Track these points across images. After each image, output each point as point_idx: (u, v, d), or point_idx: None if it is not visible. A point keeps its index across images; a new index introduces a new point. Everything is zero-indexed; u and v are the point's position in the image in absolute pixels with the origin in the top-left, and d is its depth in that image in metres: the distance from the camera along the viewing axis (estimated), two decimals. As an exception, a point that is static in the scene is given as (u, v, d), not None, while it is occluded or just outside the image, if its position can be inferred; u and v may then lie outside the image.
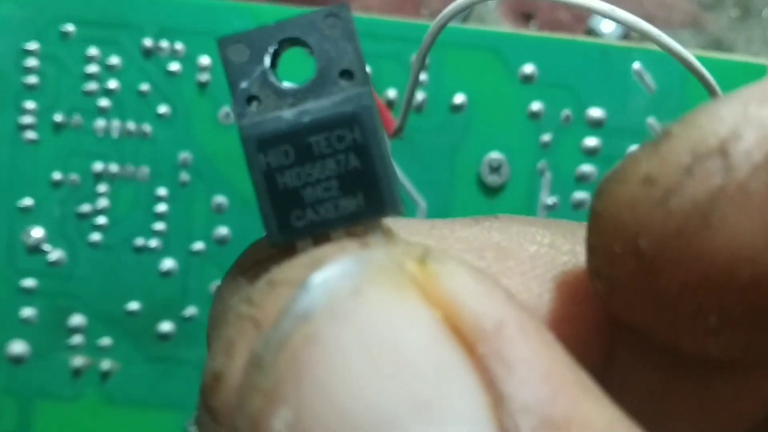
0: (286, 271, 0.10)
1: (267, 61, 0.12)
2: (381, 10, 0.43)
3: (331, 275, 0.10)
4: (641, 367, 0.13)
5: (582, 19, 0.39)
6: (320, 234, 0.11)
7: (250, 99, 0.12)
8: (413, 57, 0.26)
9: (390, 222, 0.12)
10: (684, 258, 0.11)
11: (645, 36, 0.20)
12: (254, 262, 0.12)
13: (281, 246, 0.11)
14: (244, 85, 0.12)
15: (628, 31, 0.40)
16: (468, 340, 0.09)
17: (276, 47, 0.12)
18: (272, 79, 0.12)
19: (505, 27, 0.35)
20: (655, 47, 0.28)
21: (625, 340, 0.13)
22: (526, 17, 0.40)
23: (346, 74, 0.12)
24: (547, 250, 0.13)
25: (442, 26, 0.21)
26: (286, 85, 0.12)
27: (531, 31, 0.27)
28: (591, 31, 0.41)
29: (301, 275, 0.10)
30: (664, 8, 0.37)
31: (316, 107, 0.11)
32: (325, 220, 0.11)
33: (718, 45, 0.38)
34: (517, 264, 0.13)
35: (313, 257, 0.10)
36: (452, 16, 0.21)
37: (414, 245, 0.10)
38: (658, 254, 0.11)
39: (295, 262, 0.10)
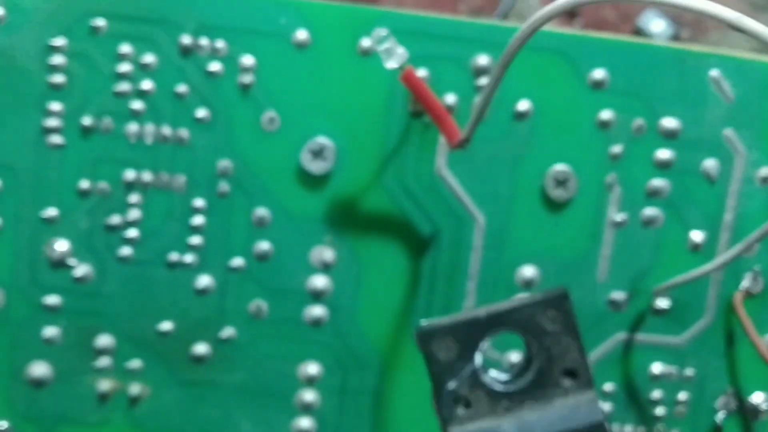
0: None
1: (478, 359, 0.11)
2: (416, 6, 0.40)
3: None
4: None
5: (629, 17, 0.37)
6: None
7: (458, 399, 0.11)
8: (485, 62, 0.24)
9: None
10: None
11: (751, 35, 0.18)
12: None
13: None
14: (452, 386, 0.11)
15: (678, 31, 0.38)
16: None
17: (489, 343, 0.11)
18: (486, 379, 0.11)
19: (549, 26, 0.33)
20: (733, 53, 0.26)
21: None
22: (570, 15, 0.38)
23: (570, 374, 0.11)
24: None
25: (533, 32, 0.19)
26: (500, 382, 0.11)
27: (602, 34, 0.25)
28: (639, 30, 0.39)
29: None
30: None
31: (541, 420, 0.10)
32: None
33: (770, 47, 0.36)
34: None
35: None
36: (544, 22, 0.19)
37: None
38: None
39: None
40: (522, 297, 0.11)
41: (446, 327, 0.11)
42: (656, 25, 0.37)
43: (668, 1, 0.17)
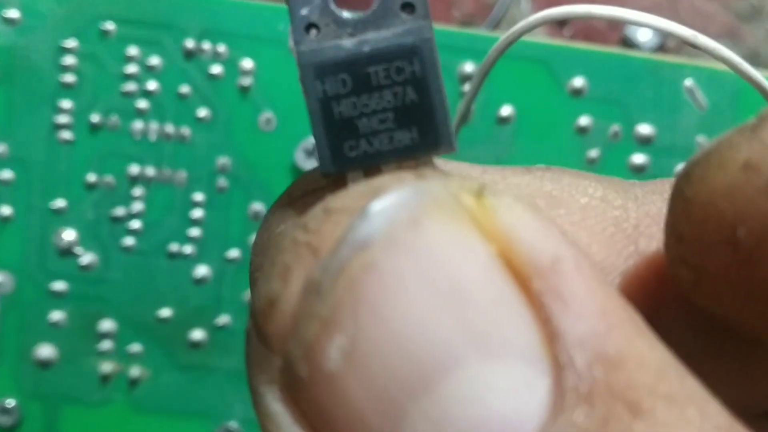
0: (343, 198, 0.10)
1: None
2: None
3: (389, 204, 0.10)
4: (683, 329, 0.13)
5: (617, 27, 0.39)
6: (372, 166, 0.11)
7: (309, 26, 0.11)
8: (471, 69, 0.25)
9: (442, 165, 0.12)
10: None
11: (706, 51, 0.19)
12: (303, 193, 0.12)
13: (333, 175, 0.11)
14: (304, 12, 0.11)
15: (664, 42, 0.39)
16: (523, 275, 0.09)
17: None
18: (332, 7, 0.12)
19: (539, 34, 0.34)
20: (707, 64, 0.27)
21: (669, 301, 0.13)
22: (560, 24, 0.39)
23: (408, 7, 0.11)
24: (599, 203, 0.13)
25: (511, 42, 0.21)
26: (347, 14, 0.11)
27: (581, 44, 0.26)
28: (626, 40, 0.40)
29: (359, 203, 0.10)
30: (700, 19, 0.37)
31: (377, 38, 0.11)
32: (378, 151, 0.11)
33: (755, 57, 0.37)
34: (567, 213, 0.13)
35: (371, 186, 0.10)
36: (522, 33, 0.20)
37: (470, 180, 0.10)
38: (758, 245, 0.10)
39: (352, 190, 0.10)
40: None
41: None
42: (643, 35, 0.39)
43: (628, 18, 0.18)
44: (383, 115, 0.11)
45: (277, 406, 0.10)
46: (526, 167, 0.14)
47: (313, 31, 0.11)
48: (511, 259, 0.09)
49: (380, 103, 0.11)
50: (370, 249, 0.09)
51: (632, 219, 0.13)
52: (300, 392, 0.10)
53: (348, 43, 0.11)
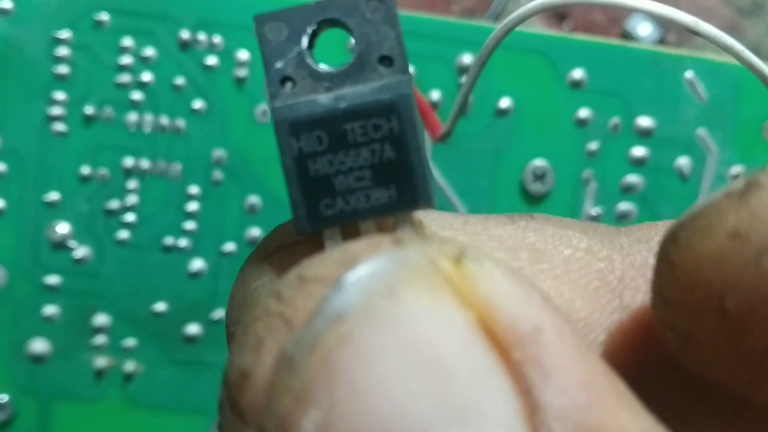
0: (317, 267, 0.10)
1: (305, 41, 0.11)
2: (411, 6, 0.42)
3: (364, 274, 0.10)
4: (669, 386, 0.13)
5: (617, 21, 0.39)
6: (349, 224, 0.11)
7: (285, 80, 0.11)
8: (469, 60, 0.25)
9: (422, 215, 0.12)
10: None
11: (707, 38, 0.19)
12: (279, 247, 0.12)
13: (308, 234, 0.11)
14: (279, 65, 0.11)
15: (664, 35, 0.39)
16: (503, 345, 0.09)
17: (315, 28, 0.11)
18: (309, 60, 0.11)
19: (539, 27, 0.34)
20: (708, 56, 0.27)
21: (655, 357, 0.13)
22: (560, 17, 0.39)
23: (386, 60, 0.11)
24: (583, 255, 0.13)
25: (508, 31, 0.20)
26: (323, 67, 0.11)
27: (582, 36, 0.26)
28: (626, 34, 0.40)
29: (333, 273, 0.10)
30: (701, 13, 0.36)
31: (354, 93, 0.11)
32: (355, 210, 0.11)
33: (756, 52, 0.37)
34: (550, 267, 0.13)
35: (346, 254, 0.10)
36: (519, 22, 0.20)
37: (449, 243, 0.10)
38: (747, 316, 0.10)
39: (327, 258, 0.10)
40: None
41: (279, 13, 0.11)
42: (643, 28, 0.38)
43: (627, 4, 0.18)
44: (360, 172, 0.11)
45: None
46: (509, 216, 0.14)
47: (289, 85, 0.11)
48: (491, 327, 0.09)
49: (357, 160, 0.11)
50: (344, 321, 0.09)
51: (617, 271, 0.13)
52: None
53: (324, 98, 0.11)
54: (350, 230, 0.11)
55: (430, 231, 0.12)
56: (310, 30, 0.11)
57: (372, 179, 0.11)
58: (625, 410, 0.09)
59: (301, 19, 0.11)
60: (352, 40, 0.12)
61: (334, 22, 0.11)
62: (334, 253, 0.10)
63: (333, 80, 0.11)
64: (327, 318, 0.09)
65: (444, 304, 0.09)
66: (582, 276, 0.13)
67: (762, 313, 0.10)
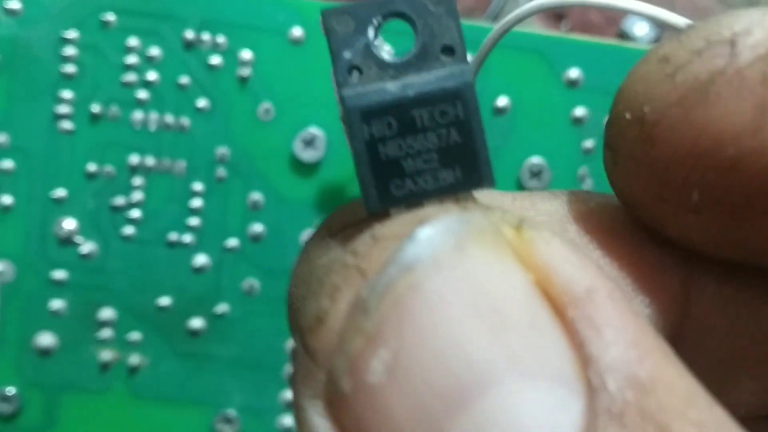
0: (391, 226, 0.11)
1: (371, 33, 0.12)
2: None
3: (435, 231, 0.10)
4: (713, 335, 0.14)
5: (614, 21, 0.39)
6: (416, 203, 0.12)
7: (352, 69, 0.12)
8: (470, 59, 0.26)
9: (477, 194, 0.13)
10: (679, 126, 0.12)
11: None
12: (343, 225, 0.13)
13: (378, 213, 0.12)
14: (347, 55, 0.12)
15: (661, 35, 0.40)
16: (559, 303, 0.10)
17: (380, 20, 0.12)
18: (375, 50, 0.12)
19: (537, 27, 0.35)
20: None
21: (696, 311, 0.14)
22: (557, 17, 0.40)
23: (448, 50, 0.12)
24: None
25: (505, 32, 0.21)
26: (389, 57, 0.12)
27: (577, 36, 0.26)
28: (623, 34, 0.41)
29: (406, 230, 0.11)
30: (698, 13, 0.37)
31: (420, 81, 0.12)
32: (423, 190, 0.12)
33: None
34: (597, 239, 0.14)
35: (418, 215, 0.11)
36: (516, 23, 0.20)
37: (510, 213, 0.11)
38: (657, 121, 0.12)
39: (399, 219, 0.11)
40: None
41: (346, 7, 0.12)
42: (640, 28, 0.39)
43: (622, 6, 0.18)
44: (428, 155, 0.12)
45: (319, 421, 0.10)
46: (551, 192, 0.15)
47: (356, 74, 0.12)
48: (547, 288, 0.10)
49: (425, 144, 0.12)
50: (415, 270, 0.10)
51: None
52: (342, 406, 0.10)
53: (392, 86, 0.12)
54: (416, 210, 0.12)
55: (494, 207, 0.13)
56: (376, 22, 0.12)
57: (439, 161, 0.12)
58: (671, 368, 0.10)
59: (367, 13, 0.12)
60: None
61: (398, 15, 0.12)
62: (406, 215, 0.11)
63: (398, 69, 0.12)
64: (399, 266, 0.10)
65: (506, 262, 0.10)
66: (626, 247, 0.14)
67: (669, 119, 0.12)
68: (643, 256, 0.13)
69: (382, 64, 0.12)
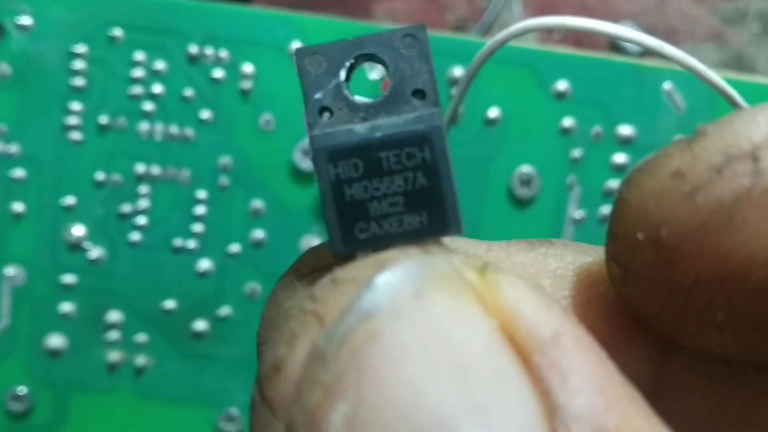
0: (350, 270, 0.11)
1: (342, 74, 0.12)
2: (407, 15, 0.43)
3: (394, 276, 0.10)
4: (691, 392, 0.13)
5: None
6: (381, 248, 0.12)
7: (323, 110, 0.12)
8: (460, 73, 0.27)
9: (448, 241, 0.13)
10: (702, 252, 0.11)
11: (673, 60, 0.20)
12: (312, 269, 0.13)
13: (342, 256, 0.12)
14: (318, 95, 0.12)
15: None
16: (524, 349, 0.09)
17: (352, 62, 0.12)
18: (346, 92, 0.12)
19: (528, 39, 0.35)
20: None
21: (674, 368, 0.13)
22: (549, 29, 0.41)
23: (419, 94, 0.12)
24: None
25: (495, 49, 0.22)
26: (359, 99, 0.12)
27: (565, 49, 0.27)
28: (614, 44, 0.42)
29: (366, 275, 0.10)
30: (687, 22, 0.38)
31: (388, 124, 0.12)
32: (388, 234, 0.12)
33: (739, 60, 0.38)
34: (573, 295, 0.13)
35: (378, 259, 0.11)
36: (504, 42, 0.21)
37: (474, 257, 0.11)
38: (678, 246, 0.11)
39: (359, 262, 0.11)
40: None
41: (319, 47, 0.12)
42: (630, 40, 0.40)
43: (599, 29, 0.19)
44: (393, 198, 0.12)
45: None
46: (528, 242, 0.14)
47: (326, 115, 0.12)
48: (512, 333, 0.10)
49: (391, 187, 0.11)
50: (374, 318, 0.10)
51: None
52: None
53: (360, 128, 0.12)
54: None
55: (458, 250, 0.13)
56: (347, 64, 0.12)
57: (404, 205, 0.12)
58: (641, 417, 0.09)
59: (339, 53, 0.12)
60: (372, 74, 0.12)
61: (370, 57, 0.12)
62: (366, 259, 0.11)
63: (368, 111, 0.12)
64: (357, 314, 0.10)
65: (468, 308, 0.10)
66: (603, 304, 0.13)
67: (691, 244, 0.11)
68: (621, 318, 0.13)
69: (352, 106, 0.12)
